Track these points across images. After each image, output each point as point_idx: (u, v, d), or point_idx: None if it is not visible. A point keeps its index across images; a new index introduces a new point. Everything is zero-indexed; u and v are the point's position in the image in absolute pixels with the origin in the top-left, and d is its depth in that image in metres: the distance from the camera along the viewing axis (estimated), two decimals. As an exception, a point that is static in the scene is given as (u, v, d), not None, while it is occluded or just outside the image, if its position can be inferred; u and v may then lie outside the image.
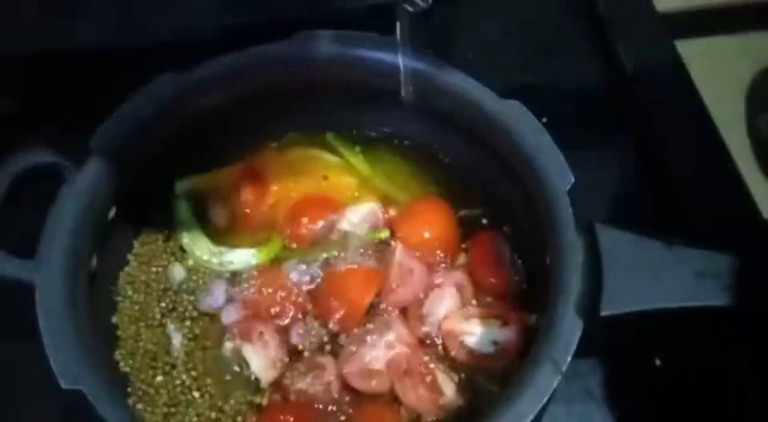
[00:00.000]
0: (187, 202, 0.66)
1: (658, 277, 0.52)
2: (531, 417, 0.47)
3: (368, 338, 0.59)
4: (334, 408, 0.57)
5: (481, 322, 0.59)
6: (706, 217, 0.66)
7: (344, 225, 0.64)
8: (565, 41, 0.82)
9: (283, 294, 0.61)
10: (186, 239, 0.64)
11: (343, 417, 0.57)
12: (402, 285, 0.61)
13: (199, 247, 0.64)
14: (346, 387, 0.58)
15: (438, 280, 0.61)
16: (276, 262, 0.63)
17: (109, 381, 0.52)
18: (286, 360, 0.59)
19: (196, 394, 0.58)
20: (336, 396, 0.57)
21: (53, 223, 0.55)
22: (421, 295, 0.61)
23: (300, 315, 0.61)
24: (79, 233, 0.56)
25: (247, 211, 0.66)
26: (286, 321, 0.60)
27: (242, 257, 0.63)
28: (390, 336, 0.58)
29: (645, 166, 0.72)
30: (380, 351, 0.58)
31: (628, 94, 0.76)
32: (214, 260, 0.63)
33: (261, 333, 0.59)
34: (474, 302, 0.61)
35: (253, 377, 0.58)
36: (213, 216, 0.66)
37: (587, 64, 0.80)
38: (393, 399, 0.58)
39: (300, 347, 0.59)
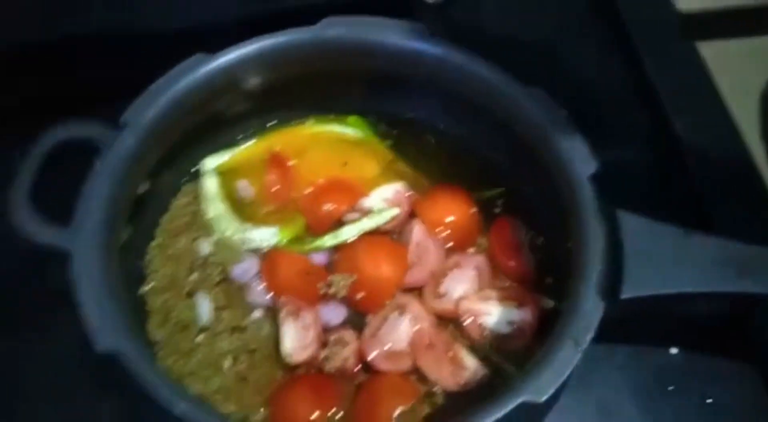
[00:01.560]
0: (215, 178, 0.67)
1: (677, 263, 0.53)
2: (551, 391, 0.48)
3: (389, 319, 0.60)
4: (352, 379, 0.58)
5: (498, 303, 0.60)
6: (725, 212, 0.67)
7: (368, 205, 0.65)
8: (584, 38, 0.83)
9: (306, 274, 0.62)
10: (212, 214, 0.65)
11: (359, 390, 0.57)
12: (419, 264, 0.62)
13: (224, 223, 0.64)
14: (363, 360, 0.59)
15: (458, 262, 0.62)
16: (299, 242, 0.64)
17: (141, 345, 0.53)
18: (319, 352, 0.58)
19: (227, 363, 0.58)
20: (354, 370, 0.58)
21: (88, 196, 0.56)
22: (438, 275, 0.62)
23: (324, 295, 0.61)
24: (112, 206, 0.57)
25: (272, 190, 0.67)
26: (313, 300, 0.61)
27: (264, 235, 0.64)
28: (410, 315, 0.59)
29: (664, 163, 0.73)
30: (402, 331, 0.59)
31: (647, 91, 0.77)
32: (237, 236, 0.64)
33: (307, 317, 0.59)
34: (495, 284, 0.62)
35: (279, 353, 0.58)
36: (239, 193, 0.67)
37: (607, 61, 0.81)
38: (410, 370, 0.58)
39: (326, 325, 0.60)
